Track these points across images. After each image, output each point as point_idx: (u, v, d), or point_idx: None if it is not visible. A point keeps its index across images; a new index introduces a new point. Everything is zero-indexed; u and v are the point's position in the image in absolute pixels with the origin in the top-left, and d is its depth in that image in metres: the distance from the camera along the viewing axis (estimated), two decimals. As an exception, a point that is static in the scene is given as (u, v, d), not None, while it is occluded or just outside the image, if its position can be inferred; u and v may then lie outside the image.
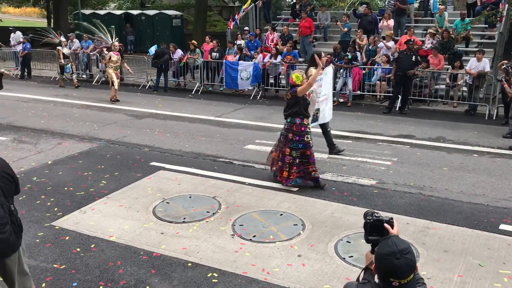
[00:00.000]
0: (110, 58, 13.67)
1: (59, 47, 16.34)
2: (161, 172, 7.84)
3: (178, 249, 5.30)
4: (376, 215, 2.51)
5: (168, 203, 6.56)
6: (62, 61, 16.37)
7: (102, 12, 27.93)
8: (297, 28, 16.92)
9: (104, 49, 15.06)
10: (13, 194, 3.84)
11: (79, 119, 11.57)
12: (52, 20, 33.04)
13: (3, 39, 23.02)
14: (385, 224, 2.47)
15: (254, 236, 5.61)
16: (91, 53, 17.72)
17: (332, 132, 9.00)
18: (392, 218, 2.52)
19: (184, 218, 6.07)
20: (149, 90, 15.98)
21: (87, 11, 27.10)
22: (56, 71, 17.58)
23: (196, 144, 9.48)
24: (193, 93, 15.46)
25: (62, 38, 16.69)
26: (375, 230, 2.48)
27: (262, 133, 10.37)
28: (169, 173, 7.80)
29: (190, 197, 6.78)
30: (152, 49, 15.84)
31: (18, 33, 19.93)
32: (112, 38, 14.66)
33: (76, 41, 18.28)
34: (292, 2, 20.01)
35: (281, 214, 6.20)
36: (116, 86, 13.61)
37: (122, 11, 28.27)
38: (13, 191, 3.83)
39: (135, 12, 27.37)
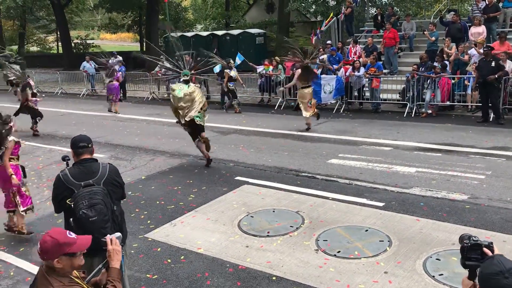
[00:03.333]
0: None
1: (226, 70, 15.38)
2: (246, 186, 8.03)
3: (263, 262, 5.40)
4: (474, 238, 2.38)
5: (252, 217, 6.71)
6: (230, 84, 15.38)
7: (189, 34, 29.29)
8: (381, 40, 16.61)
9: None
10: (120, 198, 4.22)
11: (169, 136, 12.19)
12: (144, 44, 35.20)
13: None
14: (484, 249, 2.35)
15: (339, 251, 5.55)
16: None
17: (421, 145, 8.70)
18: (492, 243, 2.36)
19: (268, 232, 6.16)
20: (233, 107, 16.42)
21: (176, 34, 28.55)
22: (222, 97, 16.62)
23: (279, 159, 9.59)
24: (275, 108, 15.68)
25: (232, 61, 15.94)
26: (473, 254, 2.36)
27: (345, 147, 10.26)
28: (253, 187, 7.97)
29: (274, 211, 6.87)
30: (217, 68, 16.27)
31: (117, 57, 21.56)
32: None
33: (166, 63, 19.30)
34: (375, 14, 19.64)
35: (367, 230, 6.08)
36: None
37: (208, 32, 29.46)
38: (120, 196, 4.20)
39: (220, 32, 28.40)
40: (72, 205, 3.84)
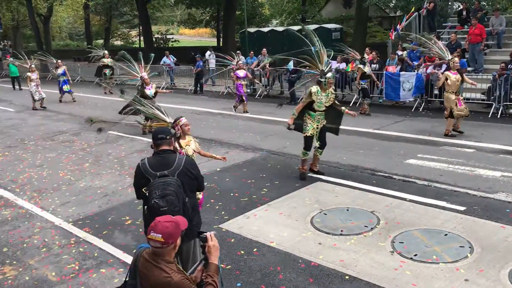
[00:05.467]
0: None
1: (360, 65, 13.96)
2: (319, 183, 7.97)
3: (336, 260, 5.33)
4: None
5: (325, 214, 6.64)
6: (362, 82, 13.82)
7: (265, 29, 29.47)
8: (465, 36, 15.75)
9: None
10: (195, 190, 4.34)
11: (243, 130, 12.36)
12: (221, 39, 35.94)
13: (180, 58, 25.86)
14: None
15: (415, 255, 5.36)
16: (255, 69, 18.80)
17: (508, 147, 8.17)
18: None
19: (341, 231, 6.08)
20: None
21: (252, 29, 28.85)
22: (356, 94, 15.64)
23: (354, 157, 9.41)
24: (350, 105, 15.38)
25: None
26: None
27: (425, 147, 9.86)
28: (327, 184, 7.89)
29: (348, 210, 6.76)
30: (291, 64, 16.21)
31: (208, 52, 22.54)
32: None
33: (242, 57, 19.64)
34: (459, 9, 18.66)
35: (446, 234, 5.82)
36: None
37: (283, 28, 29.46)
38: (195, 188, 4.32)
39: (296, 27, 28.30)
40: (147, 194, 4.03)
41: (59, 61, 19.76)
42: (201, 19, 45.26)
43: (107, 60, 21.34)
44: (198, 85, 20.57)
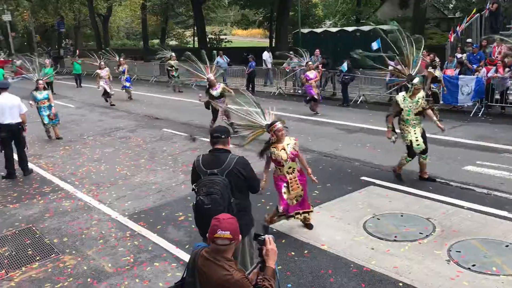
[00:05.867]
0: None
1: (430, 70, 12.64)
2: (372, 187, 7.82)
3: (389, 267, 5.21)
4: None
5: (378, 219, 6.51)
6: (433, 86, 12.66)
7: (318, 30, 29.26)
8: (531, 38, 14.98)
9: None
10: (244, 191, 4.32)
11: (295, 131, 12.28)
12: (274, 40, 36.03)
13: (233, 58, 26.12)
14: None
15: (473, 265, 5.15)
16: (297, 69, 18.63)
17: None
18: None
19: (395, 237, 5.94)
20: (360, 105, 16.09)
21: (305, 30, 28.71)
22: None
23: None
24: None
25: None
26: None
27: (484, 154, 9.46)
28: (380, 189, 7.73)
29: (402, 215, 6.59)
30: (345, 65, 15.97)
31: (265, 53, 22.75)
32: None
33: (311, 58, 19.60)
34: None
35: (507, 246, 5.56)
36: None
37: (337, 29, 29.14)
38: (244, 188, 4.31)
39: (350, 28, 27.93)
40: (196, 190, 4.10)
41: (121, 59, 20.25)
42: (254, 19, 45.56)
43: (173, 62, 21.66)
44: (250, 85, 20.70)
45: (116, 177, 9.14)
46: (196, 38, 43.74)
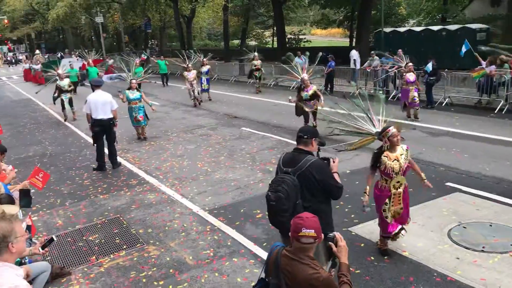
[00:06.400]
0: None
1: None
2: (458, 194, 7.45)
3: (476, 278, 4.95)
4: None
5: (465, 227, 6.20)
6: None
7: (402, 29, 28.33)
8: None
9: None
10: (317, 194, 4.20)
11: (375, 133, 12.01)
12: (354, 39, 35.37)
13: (311, 57, 25.93)
14: None
15: None
16: (390, 70, 18.16)
17: None
18: None
19: (483, 247, 5.62)
20: (446, 107, 15.36)
21: (388, 29, 27.90)
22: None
23: (499, 168, 8.62)
24: (496, 112, 14.11)
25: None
26: None
27: None
28: (467, 196, 7.34)
29: (491, 225, 6.22)
30: (429, 66, 15.21)
31: (354, 52, 22.47)
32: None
33: (376, 58, 19.12)
34: None
35: None
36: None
37: (422, 28, 28.03)
38: (317, 192, 4.19)
39: (435, 28, 26.75)
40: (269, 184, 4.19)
41: (205, 59, 20.61)
42: (334, 19, 44.97)
43: (257, 62, 21.92)
44: (329, 85, 20.49)
45: (197, 173, 9.46)
46: (275, 38, 44.01)
